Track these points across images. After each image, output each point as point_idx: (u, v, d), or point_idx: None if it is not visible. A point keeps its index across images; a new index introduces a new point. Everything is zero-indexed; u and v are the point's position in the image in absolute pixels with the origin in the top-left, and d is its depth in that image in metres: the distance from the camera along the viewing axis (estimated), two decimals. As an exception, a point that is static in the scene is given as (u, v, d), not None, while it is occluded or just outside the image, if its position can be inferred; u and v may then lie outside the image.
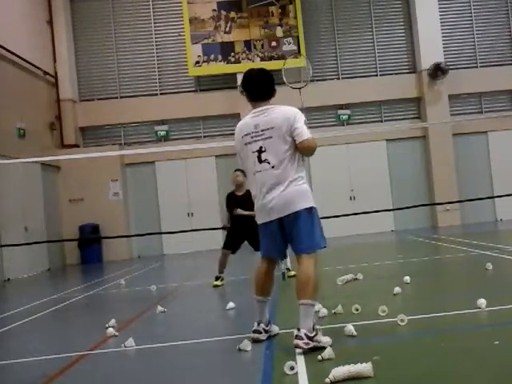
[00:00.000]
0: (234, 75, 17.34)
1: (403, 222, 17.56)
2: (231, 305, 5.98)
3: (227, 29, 17.61)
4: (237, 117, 17.29)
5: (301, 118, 4.05)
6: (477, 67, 18.44)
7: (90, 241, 16.59)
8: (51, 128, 16.75)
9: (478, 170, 17.97)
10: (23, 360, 4.57)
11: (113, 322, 5.44)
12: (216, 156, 17.19)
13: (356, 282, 7.12)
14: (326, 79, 18.31)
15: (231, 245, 8.29)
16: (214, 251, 16.55)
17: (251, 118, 4.17)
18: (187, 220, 17.29)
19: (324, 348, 3.74)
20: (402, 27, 18.49)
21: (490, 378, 3.09)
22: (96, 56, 18.18)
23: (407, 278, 6.54)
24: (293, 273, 7.89)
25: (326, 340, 3.94)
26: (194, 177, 17.60)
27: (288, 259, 8.08)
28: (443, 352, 3.67)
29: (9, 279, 13.00)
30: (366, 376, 3.19)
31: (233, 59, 17.61)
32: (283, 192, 4.01)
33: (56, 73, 17.28)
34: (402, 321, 4.41)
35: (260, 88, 4.20)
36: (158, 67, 18.28)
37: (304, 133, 3.99)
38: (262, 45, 17.66)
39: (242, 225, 7.96)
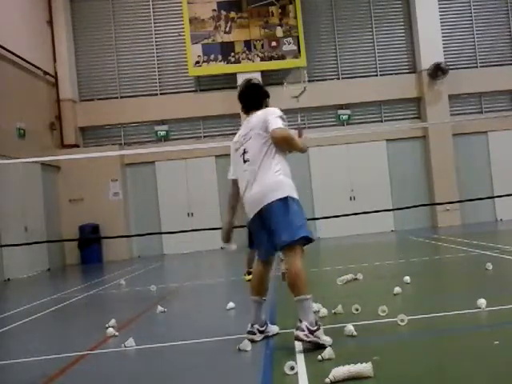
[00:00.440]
0: (234, 75, 17.34)
1: (403, 222, 17.56)
2: (231, 305, 5.98)
3: (227, 29, 17.61)
4: (237, 117, 17.31)
5: (274, 113, 4.22)
6: (477, 67, 18.44)
7: (90, 241, 16.59)
8: (51, 128, 16.75)
9: (478, 170, 17.97)
10: (23, 360, 4.57)
11: (113, 322, 5.44)
12: (216, 156, 17.18)
13: (356, 282, 7.12)
14: (326, 79, 18.31)
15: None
16: (214, 251, 16.60)
17: (241, 128, 4.48)
18: (187, 220, 17.29)
19: (323, 347, 3.75)
20: (402, 27, 18.49)
21: (490, 378, 3.09)
22: (96, 56, 18.18)
23: (407, 278, 6.54)
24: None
25: (326, 339, 3.95)
26: (194, 177, 17.60)
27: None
28: (443, 352, 3.67)
29: (9, 279, 13.01)
30: (366, 376, 3.19)
31: (233, 59, 17.61)
32: (260, 186, 4.15)
33: (56, 73, 17.28)
34: (402, 321, 4.41)
35: (250, 100, 4.48)
36: (158, 67, 18.28)
37: (273, 123, 4.15)
38: (262, 45, 17.66)
39: None
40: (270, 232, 4.19)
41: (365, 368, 3.20)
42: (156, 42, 18.29)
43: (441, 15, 18.08)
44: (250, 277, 7.80)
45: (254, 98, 4.48)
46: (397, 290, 5.86)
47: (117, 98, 18.18)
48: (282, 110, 4.32)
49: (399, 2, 18.47)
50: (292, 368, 3.39)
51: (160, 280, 10.17)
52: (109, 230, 16.37)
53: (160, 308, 6.23)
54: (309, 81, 18.08)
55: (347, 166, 17.69)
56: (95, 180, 16.71)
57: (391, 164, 17.99)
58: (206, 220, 16.38)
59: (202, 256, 15.31)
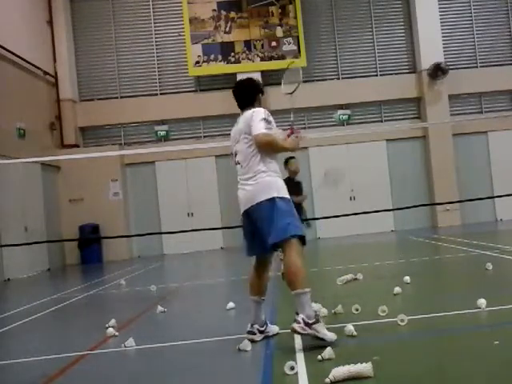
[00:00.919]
0: (234, 75, 17.33)
1: (403, 221, 17.56)
2: (231, 305, 5.98)
3: (227, 29, 17.61)
4: (237, 117, 17.26)
5: (257, 115, 4.20)
6: (477, 67, 18.44)
7: (90, 241, 16.58)
8: (51, 128, 16.75)
9: (478, 170, 17.97)
10: (23, 360, 4.57)
11: (113, 322, 5.44)
12: (216, 156, 17.19)
13: (356, 282, 7.12)
14: (325, 79, 18.31)
15: None
16: (214, 251, 16.60)
17: (235, 126, 4.49)
18: (187, 220, 17.29)
19: (324, 344, 3.75)
20: (402, 27, 18.49)
21: (490, 378, 3.09)
22: (96, 56, 18.17)
23: (407, 278, 6.55)
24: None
25: (328, 334, 3.94)
26: (194, 177, 17.60)
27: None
28: (443, 352, 3.67)
29: (9, 279, 13.01)
30: (366, 376, 3.19)
31: (233, 59, 17.61)
32: (247, 187, 4.22)
33: (56, 73, 17.28)
34: (402, 321, 4.41)
35: (241, 97, 4.48)
36: (158, 67, 18.28)
37: (256, 128, 4.16)
38: (262, 45, 17.66)
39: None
40: (257, 231, 4.25)
41: (365, 368, 3.20)
42: (156, 42, 18.29)
43: (441, 15, 18.07)
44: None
45: (245, 94, 4.47)
46: (397, 290, 5.86)
47: (117, 98, 18.17)
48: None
49: (399, 2, 18.47)
50: (292, 368, 3.39)
51: (160, 280, 10.17)
52: (109, 229, 16.37)
53: (160, 308, 6.23)
54: (309, 81, 18.09)
55: (347, 166, 17.68)
56: (95, 180, 16.70)
57: (391, 164, 17.99)
58: (206, 220, 16.40)
59: (202, 256, 15.31)
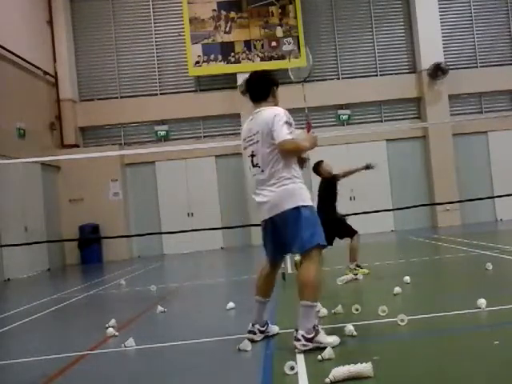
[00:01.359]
0: (234, 75, 17.35)
1: (403, 221, 17.56)
2: (231, 305, 5.98)
3: (227, 29, 17.61)
4: (237, 117, 17.34)
5: (280, 119, 4.02)
6: (477, 67, 18.44)
7: (90, 241, 16.58)
8: (51, 128, 16.75)
9: (478, 170, 17.97)
10: (23, 360, 4.57)
11: (113, 322, 5.44)
12: (216, 156, 17.20)
13: (356, 282, 7.12)
14: (325, 79, 18.30)
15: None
16: (214, 251, 16.60)
17: (248, 122, 4.29)
18: (187, 220, 17.28)
19: (324, 348, 3.74)
20: (402, 27, 18.49)
21: (490, 378, 3.09)
22: (96, 56, 18.17)
23: (407, 278, 6.54)
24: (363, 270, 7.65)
25: (331, 340, 3.92)
26: (194, 177, 17.59)
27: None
28: (443, 352, 3.67)
29: (9, 279, 13.00)
30: (366, 376, 3.19)
31: (233, 59, 17.61)
32: (271, 193, 4.06)
33: (56, 73, 17.28)
34: (402, 321, 4.41)
35: (255, 89, 4.27)
36: (158, 67, 18.27)
37: (280, 135, 3.97)
38: (262, 45, 17.66)
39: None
40: (281, 239, 4.16)
41: (365, 368, 3.20)
42: (156, 42, 18.29)
43: (441, 15, 18.07)
44: (364, 270, 7.51)
45: (259, 87, 4.25)
46: (397, 290, 5.86)
47: (117, 98, 18.17)
48: (286, 109, 4.19)
49: (399, 2, 18.47)
50: (292, 368, 3.39)
51: (160, 280, 10.17)
52: (109, 230, 16.36)
53: (160, 308, 6.23)
54: (309, 81, 18.04)
55: (347, 166, 17.64)
56: (95, 180, 16.70)
57: (391, 164, 17.99)
58: (206, 220, 16.40)
59: (202, 256, 15.31)
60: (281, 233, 4.11)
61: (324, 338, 3.92)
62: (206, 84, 18.15)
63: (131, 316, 6.21)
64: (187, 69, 17.77)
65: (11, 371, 4.38)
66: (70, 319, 6.81)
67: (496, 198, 16.28)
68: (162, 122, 18.13)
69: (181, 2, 17.71)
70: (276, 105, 4.28)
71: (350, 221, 8.58)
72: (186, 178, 17.66)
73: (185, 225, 16.07)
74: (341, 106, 18.18)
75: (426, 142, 17.99)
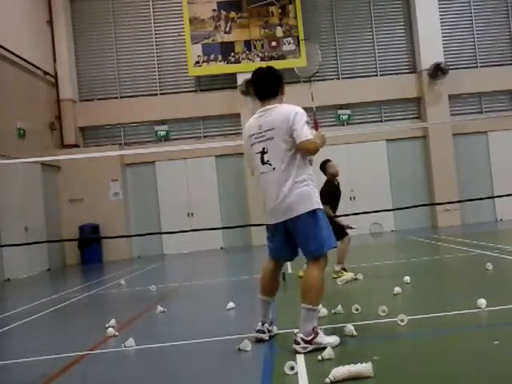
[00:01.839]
0: (234, 75, 17.36)
1: (403, 221, 17.56)
2: (231, 305, 5.97)
3: (227, 29, 17.61)
4: (237, 117, 17.34)
5: (301, 118, 3.95)
6: (477, 67, 18.44)
7: (90, 241, 16.58)
8: (51, 128, 16.75)
9: (478, 170, 17.97)
10: (23, 360, 4.57)
11: (113, 322, 5.44)
12: (216, 156, 17.19)
13: (356, 282, 7.12)
14: (325, 79, 18.29)
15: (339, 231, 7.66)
16: (214, 251, 16.60)
17: (256, 119, 4.15)
18: (187, 220, 17.28)
19: (325, 348, 3.74)
20: (402, 27, 18.49)
21: (490, 378, 3.09)
22: (96, 56, 18.17)
23: (407, 278, 6.54)
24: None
25: (331, 340, 3.92)
26: (194, 177, 17.59)
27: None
28: (443, 352, 3.67)
29: (9, 279, 13.00)
30: (366, 376, 3.19)
31: (233, 59, 17.61)
32: (285, 195, 3.97)
33: (56, 73, 17.28)
34: (402, 321, 4.41)
35: (265, 86, 4.13)
36: (158, 67, 18.27)
37: (302, 134, 3.89)
38: (262, 45, 17.66)
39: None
40: (293, 241, 4.12)
41: (365, 368, 3.20)
42: (156, 42, 18.29)
43: (441, 15, 18.07)
44: (348, 275, 7.45)
45: (268, 83, 4.12)
46: (397, 290, 5.86)
47: (117, 98, 18.17)
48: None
49: (399, 2, 18.47)
50: (292, 368, 3.39)
51: (160, 280, 10.17)
52: (109, 230, 16.36)
53: (160, 308, 6.23)
54: (309, 81, 18.06)
55: (347, 166, 17.66)
56: (95, 180, 16.70)
57: (391, 164, 17.99)
58: (206, 220, 16.40)
59: (202, 256, 15.31)
60: (296, 236, 4.05)
61: (323, 338, 3.91)
62: (206, 84, 18.15)
63: (131, 316, 6.21)
64: (187, 69, 17.77)
65: (11, 371, 4.38)
66: (70, 319, 6.81)
67: (496, 198, 16.28)
68: (162, 122, 18.13)
69: (181, 2, 17.70)
70: (281, 102, 4.18)
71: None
72: (186, 177, 17.66)
73: (185, 225, 16.07)
74: (341, 106, 18.18)
75: (426, 142, 17.99)
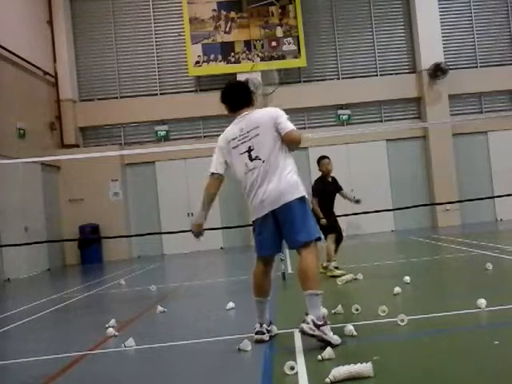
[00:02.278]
0: (233, 75, 17.33)
1: (403, 222, 17.56)
2: (231, 305, 5.98)
3: (227, 29, 17.61)
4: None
5: (283, 114, 4.27)
6: (477, 67, 18.44)
7: (90, 241, 16.58)
8: (51, 128, 16.75)
9: (478, 170, 17.97)
10: (23, 360, 4.57)
11: (113, 322, 5.44)
12: (216, 156, 17.17)
13: (356, 282, 7.12)
14: (325, 79, 18.31)
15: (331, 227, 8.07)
16: (214, 251, 16.60)
17: (235, 125, 4.39)
18: (187, 220, 17.26)
19: (328, 345, 3.76)
20: (402, 27, 18.49)
21: (490, 378, 3.09)
22: (96, 56, 18.18)
23: (407, 278, 6.54)
24: (339, 272, 7.77)
25: (334, 337, 3.94)
26: (193, 177, 17.57)
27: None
28: (443, 352, 3.67)
29: (9, 279, 13.00)
30: (366, 376, 3.19)
31: (233, 59, 17.61)
32: (275, 184, 4.13)
33: (56, 73, 17.28)
34: (402, 321, 4.40)
35: (241, 96, 4.41)
36: (158, 67, 18.27)
37: (288, 126, 4.20)
38: (262, 45, 17.67)
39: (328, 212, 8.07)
40: (281, 231, 4.20)
41: (365, 368, 3.20)
42: (156, 42, 18.29)
43: (441, 15, 18.08)
44: (340, 272, 7.68)
45: (241, 94, 4.40)
46: (397, 290, 5.86)
47: (117, 98, 18.18)
48: (284, 109, 4.35)
49: (399, 2, 18.47)
50: (292, 368, 3.39)
51: (160, 280, 10.18)
52: (109, 230, 16.36)
53: (160, 308, 6.23)
54: (309, 81, 18.11)
55: (347, 166, 17.68)
56: (95, 180, 16.70)
57: (391, 164, 17.99)
58: (206, 220, 16.37)
59: (202, 256, 15.30)
60: (285, 223, 4.15)
61: (329, 331, 3.94)
62: (206, 84, 18.15)
63: (131, 316, 6.21)
64: (187, 69, 17.78)
65: (11, 371, 4.38)
66: (70, 319, 6.81)
67: (496, 198, 16.29)
68: (162, 122, 18.13)
69: (181, 2, 17.71)
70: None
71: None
72: (186, 178, 17.66)
73: (185, 225, 15.98)
74: (341, 106, 18.18)
75: (426, 142, 17.99)
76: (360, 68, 18.38)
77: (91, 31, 18.16)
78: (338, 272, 7.75)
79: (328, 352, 3.61)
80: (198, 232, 4.61)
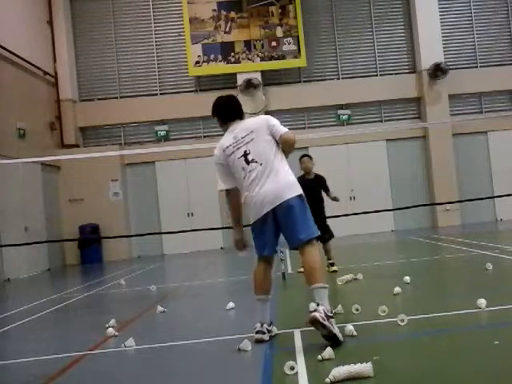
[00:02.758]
0: (234, 75, 17.36)
1: (403, 222, 17.56)
2: (231, 305, 5.97)
3: (227, 29, 17.61)
4: (237, 117, 17.31)
5: (274, 119, 4.45)
6: (477, 67, 18.44)
7: (90, 241, 16.58)
8: (51, 128, 16.75)
9: (478, 170, 17.97)
10: (23, 360, 4.57)
11: (113, 322, 5.44)
12: (216, 156, 17.17)
13: (356, 282, 7.11)
14: (325, 79, 18.31)
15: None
16: (214, 251, 16.60)
17: (228, 134, 4.58)
18: (187, 220, 17.29)
19: (330, 340, 3.79)
20: (402, 27, 18.50)
21: (490, 378, 3.09)
22: (96, 56, 18.18)
23: (407, 278, 6.54)
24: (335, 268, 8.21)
25: (339, 333, 3.96)
26: (194, 177, 17.59)
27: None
28: (443, 352, 3.67)
29: (9, 279, 13.01)
30: (366, 376, 3.18)
31: (233, 59, 17.61)
32: (273, 184, 4.22)
33: (56, 73, 17.28)
34: (402, 321, 4.40)
35: (234, 109, 4.62)
36: (158, 67, 18.28)
37: (282, 128, 4.37)
38: (262, 45, 17.67)
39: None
40: (280, 230, 4.28)
41: (365, 368, 3.20)
42: (156, 42, 18.29)
43: (441, 15, 18.08)
44: (335, 268, 7.95)
45: (236, 107, 4.63)
46: (397, 290, 5.86)
47: (117, 98, 18.18)
48: (280, 110, 4.45)
49: (399, 2, 18.47)
50: (292, 368, 3.39)
51: (160, 280, 10.18)
52: (109, 230, 16.36)
53: (160, 308, 6.23)
54: (309, 81, 18.11)
55: (347, 166, 17.69)
56: (95, 180, 16.70)
57: (391, 164, 18.00)
58: (206, 220, 16.38)
59: (202, 256, 15.31)
60: (286, 221, 4.21)
61: (336, 326, 3.96)
62: (206, 84, 18.15)
63: (131, 316, 6.21)
64: (187, 69, 17.78)
65: (11, 371, 4.38)
66: (70, 319, 6.81)
67: (496, 198, 16.29)
68: (162, 122, 18.13)
69: (181, 2, 17.71)
70: None
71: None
72: (186, 177, 17.66)
73: (185, 225, 16.08)
74: (341, 106, 18.18)
75: (426, 142, 17.99)
76: (360, 68, 18.38)
77: (91, 31, 18.16)
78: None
79: (328, 352, 3.61)
80: (241, 247, 4.62)
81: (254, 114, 5.11)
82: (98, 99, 18.20)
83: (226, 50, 17.59)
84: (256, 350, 4.07)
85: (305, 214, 4.24)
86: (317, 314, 3.87)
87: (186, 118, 18.04)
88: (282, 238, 4.38)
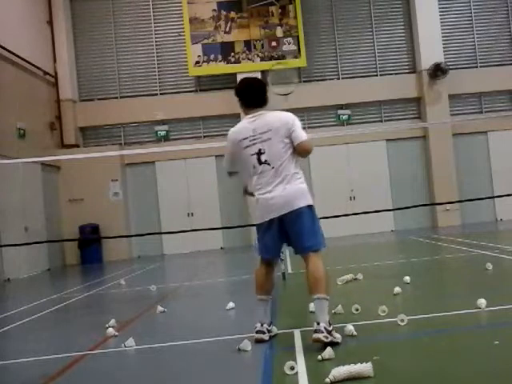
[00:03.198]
0: (234, 75, 17.34)
1: (403, 222, 17.56)
2: (231, 305, 5.97)
3: (227, 29, 17.62)
4: (237, 117, 17.26)
5: (298, 122, 4.26)
6: (477, 67, 18.44)
7: (90, 241, 16.58)
8: (51, 128, 16.75)
9: (478, 170, 17.97)
10: (23, 360, 4.57)
11: (113, 322, 5.44)
12: (216, 156, 17.12)
13: (356, 282, 7.11)
14: (325, 79, 18.31)
15: None
16: (214, 251, 16.60)
17: (248, 123, 4.31)
18: (187, 220, 17.28)
19: (330, 345, 3.77)
20: (402, 27, 18.50)
21: (490, 378, 3.09)
22: (96, 56, 18.18)
23: (407, 278, 6.54)
24: None
25: (338, 336, 3.97)
26: (194, 177, 17.59)
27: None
28: (443, 352, 3.67)
29: (9, 279, 13.00)
30: (366, 376, 3.18)
31: (233, 59, 17.62)
32: (284, 191, 4.13)
33: (56, 73, 17.28)
34: (402, 321, 4.40)
35: (256, 95, 4.35)
36: (158, 67, 18.27)
37: (302, 135, 4.20)
38: (262, 45, 17.67)
39: None
40: (286, 237, 4.23)
41: (365, 368, 3.20)
42: (156, 42, 18.29)
43: (441, 15, 18.08)
44: None
45: (260, 93, 4.35)
46: (397, 290, 5.86)
47: (117, 98, 18.18)
48: (280, 110, 4.36)
49: (399, 2, 18.47)
50: (292, 368, 3.39)
51: (160, 280, 10.18)
52: (109, 230, 16.36)
53: (160, 308, 6.23)
54: (309, 81, 18.11)
55: (347, 166, 17.69)
56: (95, 180, 16.70)
57: (391, 164, 17.99)
58: (206, 220, 16.38)
59: (202, 256, 15.30)
60: (293, 230, 4.15)
61: (335, 332, 3.97)
62: (206, 84, 18.15)
63: (131, 316, 6.21)
64: (187, 69, 17.78)
65: (11, 371, 4.38)
66: (70, 319, 6.81)
67: (496, 198, 16.28)
68: (162, 122, 18.13)
69: (181, 2, 17.71)
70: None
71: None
72: (186, 177, 17.66)
73: (185, 225, 16.07)
74: (341, 106, 18.18)
75: (426, 142, 17.99)
76: (360, 68, 18.38)
77: (91, 31, 18.16)
78: None
79: (328, 352, 3.61)
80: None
81: (284, 94, 4.95)
82: (98, 99, 18.20)
83: (226, 50, 17.60)
84: (256, 349, 4.07)
85: (313, 223, 4.19)
86: (320, 336, 3.86)
87: (186, 118, 18.04)
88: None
